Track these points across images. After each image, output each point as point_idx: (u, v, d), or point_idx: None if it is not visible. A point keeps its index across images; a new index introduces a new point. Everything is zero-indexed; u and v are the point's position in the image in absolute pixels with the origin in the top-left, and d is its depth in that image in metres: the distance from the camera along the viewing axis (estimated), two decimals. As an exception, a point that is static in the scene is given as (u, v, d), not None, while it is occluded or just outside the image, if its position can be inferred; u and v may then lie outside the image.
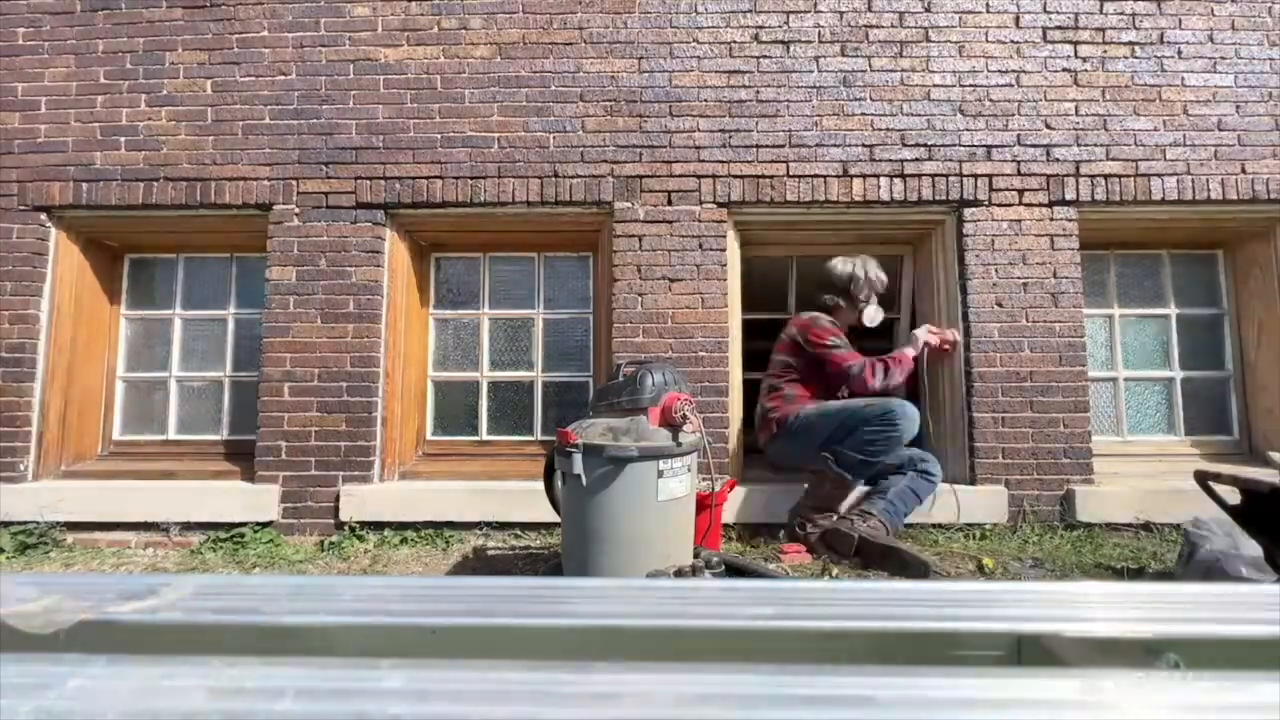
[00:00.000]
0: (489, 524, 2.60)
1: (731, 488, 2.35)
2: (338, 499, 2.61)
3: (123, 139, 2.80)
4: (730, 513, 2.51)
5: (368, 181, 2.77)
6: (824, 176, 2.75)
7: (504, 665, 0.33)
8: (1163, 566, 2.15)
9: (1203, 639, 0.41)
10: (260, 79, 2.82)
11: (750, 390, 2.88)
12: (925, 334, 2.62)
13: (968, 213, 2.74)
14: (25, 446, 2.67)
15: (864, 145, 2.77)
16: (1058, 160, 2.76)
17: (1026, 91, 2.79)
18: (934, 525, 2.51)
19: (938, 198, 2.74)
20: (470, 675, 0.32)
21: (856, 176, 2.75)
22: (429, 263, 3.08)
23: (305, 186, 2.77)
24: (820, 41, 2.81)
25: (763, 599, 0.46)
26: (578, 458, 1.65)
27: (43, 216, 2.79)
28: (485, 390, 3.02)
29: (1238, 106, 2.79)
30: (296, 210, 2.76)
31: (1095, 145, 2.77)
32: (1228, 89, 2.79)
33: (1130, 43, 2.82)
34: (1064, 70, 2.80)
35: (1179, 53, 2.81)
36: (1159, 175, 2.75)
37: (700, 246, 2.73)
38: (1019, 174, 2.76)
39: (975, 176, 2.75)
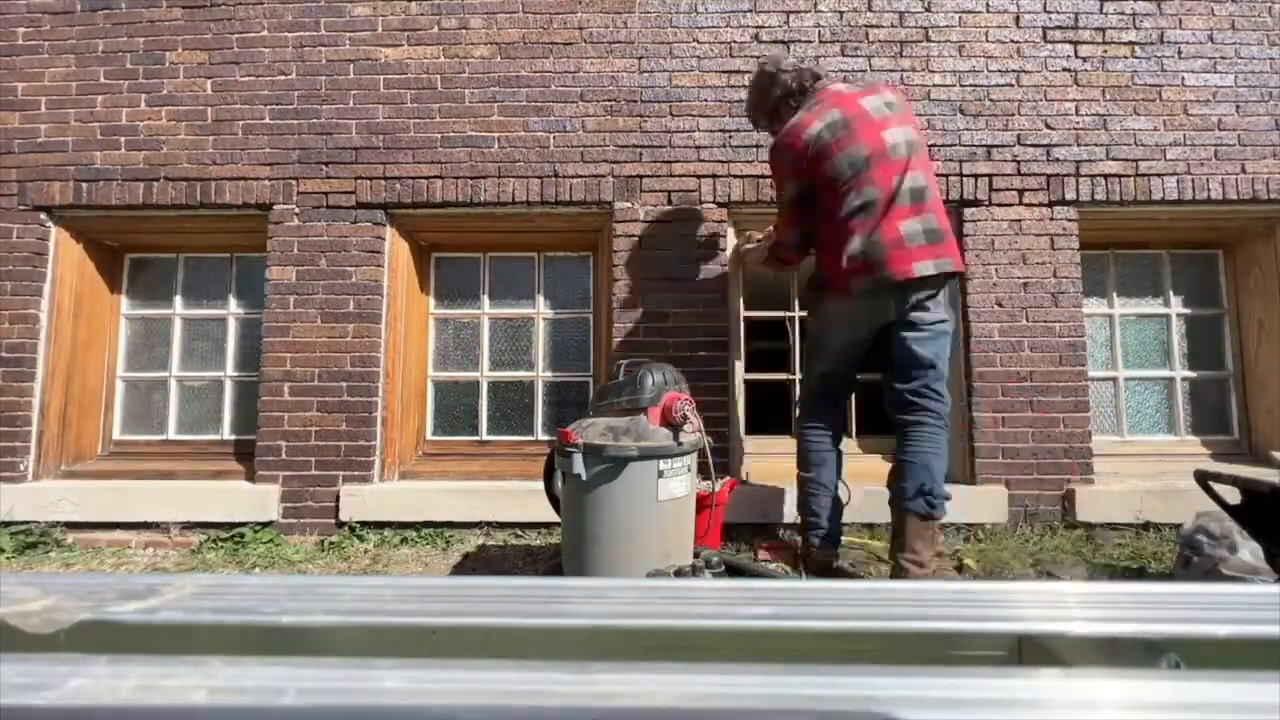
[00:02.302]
0: (489, 524, 2.60)
1: (731, 488, 2.35)
2: (338, 499, 2.61)
3: (123, 139, 2.80)
4: (730, 513, 2.50)
5: (368, 181, 2.76)
6: (824, 176, 2.74)
7: (504, 665, 0.33)
8: (1163, 566, 2.15)
9: (1203, 639, 0.41)
10: (260, 79, 2.82)
11: (751, 391, 2.88)
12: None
13: (968, 212, 2.74)
14: (25, 446, 2.67)
15: (864, 145, 2.76)
16: (1058, 160, 2.76)
17: (1026, 91, 2.79)
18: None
19: (938, 198, 2.73)
20: (470, 675, 0.32)
21: (856, 176, 2.75)
22: (429, 262, 3.07)
23: (305, 186, 2.77)
24: (820, 41, 2.81)
25: (762, 599, 0.46)
26: (578, 457, 1.65)
27: (43, 216, 2.78)
28: (485, 390, 3.02)
29: (1238, 106, 2.79)
30: (296, 210, 2.76)
31: (1095, 145, 2.76)
32: (1228, 89, 2.79)
33: (1130, 43, 2.81)
34: (1064, 70, 2.80)
35: (1179, 53, 2.81)
36: (1159, 175, 2.75)
37: (700, 246, 2.73)
38: (1019, 174, 2.75)
39: (975, 176, 2.75)
